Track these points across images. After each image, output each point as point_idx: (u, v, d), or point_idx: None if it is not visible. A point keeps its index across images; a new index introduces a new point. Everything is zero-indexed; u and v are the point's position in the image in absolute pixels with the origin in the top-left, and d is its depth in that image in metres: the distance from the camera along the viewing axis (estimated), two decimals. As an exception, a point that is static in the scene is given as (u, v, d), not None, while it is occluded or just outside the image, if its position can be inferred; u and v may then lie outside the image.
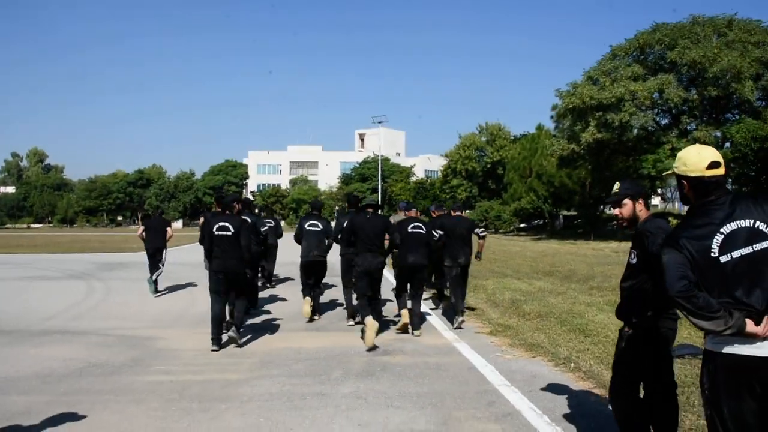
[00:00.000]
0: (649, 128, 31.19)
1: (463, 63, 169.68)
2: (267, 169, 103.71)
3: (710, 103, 30.14)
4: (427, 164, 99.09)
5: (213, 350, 7.11)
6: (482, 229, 9.60)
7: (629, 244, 3.75)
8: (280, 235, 12.89)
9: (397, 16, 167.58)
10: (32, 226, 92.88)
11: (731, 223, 2.67)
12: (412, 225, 8.44)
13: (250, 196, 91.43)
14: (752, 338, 2.56)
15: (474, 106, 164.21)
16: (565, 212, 53.60)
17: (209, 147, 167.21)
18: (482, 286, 12.52)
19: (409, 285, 8.43)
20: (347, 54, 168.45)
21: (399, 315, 8.43)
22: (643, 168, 30.60)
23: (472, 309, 9.73)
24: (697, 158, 2.84)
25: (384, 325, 8.17)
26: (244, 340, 7.55)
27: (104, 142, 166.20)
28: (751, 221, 2.68)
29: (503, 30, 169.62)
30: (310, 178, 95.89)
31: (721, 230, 2.67)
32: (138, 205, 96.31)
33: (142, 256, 22.74)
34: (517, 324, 8.34)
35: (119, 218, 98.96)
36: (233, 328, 7.35)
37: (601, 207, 47.21)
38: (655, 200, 63.92)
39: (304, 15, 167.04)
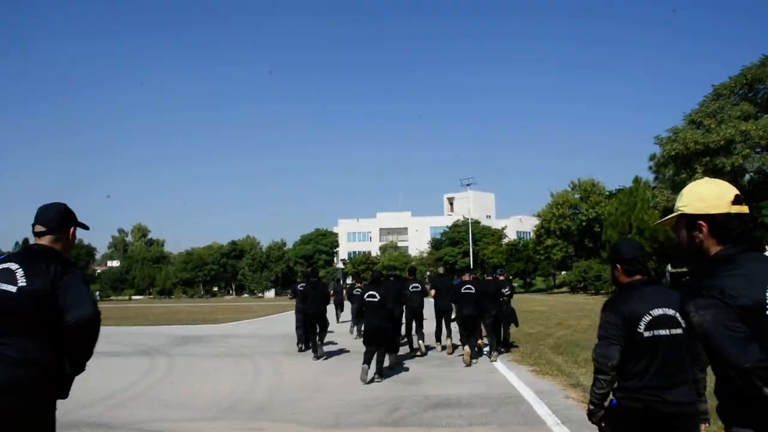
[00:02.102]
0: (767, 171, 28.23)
1: (549, 120, 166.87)
2: (357, 237, 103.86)
3: (836, 140, 26.97)
4: (519, 225, 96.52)
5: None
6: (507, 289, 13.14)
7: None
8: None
9: (478, 75, 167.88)
10: (133, 297, 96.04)
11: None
12: (465, 287, 11.73)
13: (341, 264, 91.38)
14: None
15: (564, 164, 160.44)
16: (671, 269, 49.86)
17: (300, 216, 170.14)
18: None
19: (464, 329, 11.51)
20: (432, 118, 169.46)
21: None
22: (763, 216, 27.50)
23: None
24: (718, 190, 2.20)
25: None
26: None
27: (201, 216, 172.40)
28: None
29: (587, 84, 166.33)
30: (400, 244, 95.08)
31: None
32: (231, 276, 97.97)
33: (221, 329, 21.96)
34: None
35: (215, 289, 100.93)
36: (377, 375, 9.68)
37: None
38: (770, 253, 58.76)
39: (387, 82, 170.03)
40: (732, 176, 27.86)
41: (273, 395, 8.60)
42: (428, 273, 68.40)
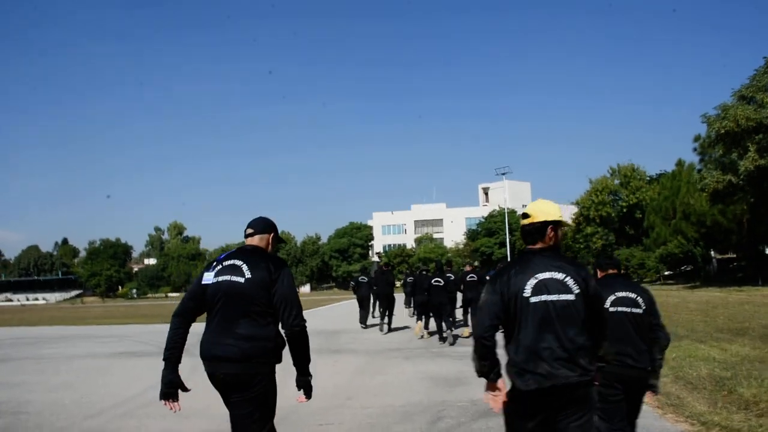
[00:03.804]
0: (826, 149, 26.43)
1: (584, 109, 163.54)
2: (392, 230, 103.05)
3: None
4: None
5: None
6: None
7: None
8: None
9: (515, 60, 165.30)
10: (170, 294, 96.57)
11: (546, 271, 3.05)
12: (469, 276, 14.83)
13: (376, 258, 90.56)
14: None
15: (601, 151, 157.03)
16: (718, 255, 47.94)
17: (335, 210, 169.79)
18: (658, 353, 9.39)
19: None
20: (465, 107, 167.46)
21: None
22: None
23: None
24: (538, 207, 3.34)
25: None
26: None
27: (237, 212, 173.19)
28: (563, 274, 3.05)
29: (622, 71, 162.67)
30: (436, 236, 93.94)
31: (538, 275, 3.04)
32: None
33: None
34: (747, 425, 5.31)
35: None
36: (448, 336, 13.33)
37: (762, 247, 41.55)
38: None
39: (420, 80, 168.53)
40: (788, 154, 26.24)
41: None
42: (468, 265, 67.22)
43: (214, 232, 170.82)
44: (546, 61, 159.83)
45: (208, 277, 3.65)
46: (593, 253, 66.52)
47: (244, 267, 3.55)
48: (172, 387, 3.58)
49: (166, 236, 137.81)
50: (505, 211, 75.00)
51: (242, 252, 3.70)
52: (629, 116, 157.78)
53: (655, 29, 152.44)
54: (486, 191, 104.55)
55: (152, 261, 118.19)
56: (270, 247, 3.81)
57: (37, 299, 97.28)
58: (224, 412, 7.07)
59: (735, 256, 45.68)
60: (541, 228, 3.21)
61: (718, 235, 40.06)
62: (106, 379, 10.33)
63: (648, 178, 63.76)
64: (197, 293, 3.69)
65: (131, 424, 6.71)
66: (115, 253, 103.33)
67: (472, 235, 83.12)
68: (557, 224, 3.25)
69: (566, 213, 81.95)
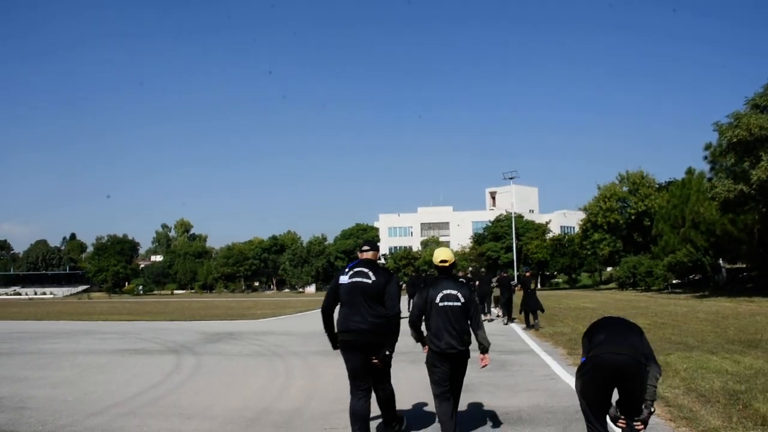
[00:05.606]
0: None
1: (594, 114, 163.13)
2: (398, 232, 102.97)
3: None
4: (563, 220, 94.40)
5: None
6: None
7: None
8: None
9: (523, 66, 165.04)
10: (176, 292, 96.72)
11: (447, 289, 5.29)
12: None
13: (382, 260, 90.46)
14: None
15: (608, 157, 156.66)
16: (727, 265, 47.48)
17: (341, 211, 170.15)
18: (668, 364, 9.16)
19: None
20: (474, 108, 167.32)
21: None
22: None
23: (668, 404, 6.61)
24: (436, 254, 5.57)
25: None
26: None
27: (243, 211, 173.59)
28: (456, 291, 5.29)
29: (632, 76, 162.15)
30: (442, 239, 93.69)
31: (443, 291, 5.28)
32: (272, 271, 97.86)
33: (257, 325, 21.06)
34: (766, 441, 5.15)
35: (255, 284, 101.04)
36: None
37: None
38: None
39: (430, 79, 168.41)
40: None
41: (304, 404, 7.54)
42: (470, 269, 66.69)
43: (220, 231, 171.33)
44: (556, 68, 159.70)
45: (344, 279, 5.49)
46: (600, 259, 66.18)
47: (370, 273, 5.45)
48: (336, 342, 5.52)
49: (173, 233, 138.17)
50: (512, 215, 74.72)
51: (365, 263, 5.57)
52: (638, 124, 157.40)
53: (667, 39, 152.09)
54: (493, 195, 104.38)
55: (159, 258, 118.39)
56: (375, 259, 5.70)
57: (45, 293, 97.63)
58: (226, 412, 6.99)
59: (745, 266, 45.24)
60: (451, 266, 5.49)
61: (727, 244, 39.63)
62: (108, 376, 10.21)
63: (657, 186, 63.32)
64: (335, 290, 5.54)
65: (133, 423, 6.59)
66: (122, 249, 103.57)
67: (478, 239, 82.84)
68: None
69: (574, 219, 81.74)
